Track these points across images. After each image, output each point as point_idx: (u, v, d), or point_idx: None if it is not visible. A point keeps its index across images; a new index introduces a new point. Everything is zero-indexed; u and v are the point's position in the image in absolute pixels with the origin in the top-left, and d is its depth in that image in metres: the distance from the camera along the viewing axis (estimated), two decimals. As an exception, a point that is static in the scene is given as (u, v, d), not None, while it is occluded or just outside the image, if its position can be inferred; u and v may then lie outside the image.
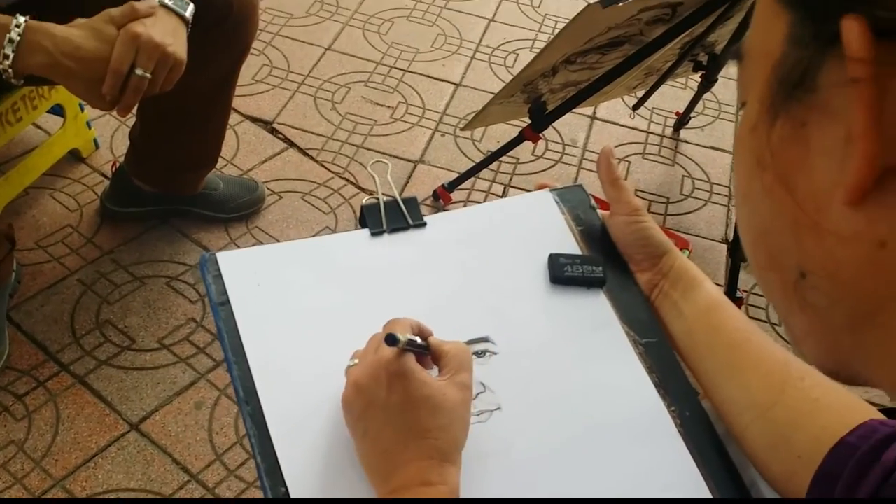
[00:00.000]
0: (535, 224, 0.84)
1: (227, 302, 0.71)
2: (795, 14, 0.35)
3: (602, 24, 1.41)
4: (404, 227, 0.81)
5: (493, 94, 1.88)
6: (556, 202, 0.86)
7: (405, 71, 2.28)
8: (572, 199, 0.86)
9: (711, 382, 0.73)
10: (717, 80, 1.94)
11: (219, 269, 0.73)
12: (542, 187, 0.89)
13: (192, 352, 1.55)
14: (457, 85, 2.27)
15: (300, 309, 0.73)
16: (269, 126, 2.05)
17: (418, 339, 0.64)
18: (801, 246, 0.37)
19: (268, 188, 1.86)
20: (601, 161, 0.82)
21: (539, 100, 1.71)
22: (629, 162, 2.14)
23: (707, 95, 2.13)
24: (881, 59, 0.31)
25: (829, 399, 0.66)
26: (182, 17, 1.18)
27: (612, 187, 0.82)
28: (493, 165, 1.99)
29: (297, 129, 2.05)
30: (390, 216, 0.82)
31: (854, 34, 0.32)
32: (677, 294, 0.78)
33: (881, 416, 0.62)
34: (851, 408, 0.63)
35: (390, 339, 0.60)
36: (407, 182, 1.97)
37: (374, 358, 0.62)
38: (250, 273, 0.74)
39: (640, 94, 2.13)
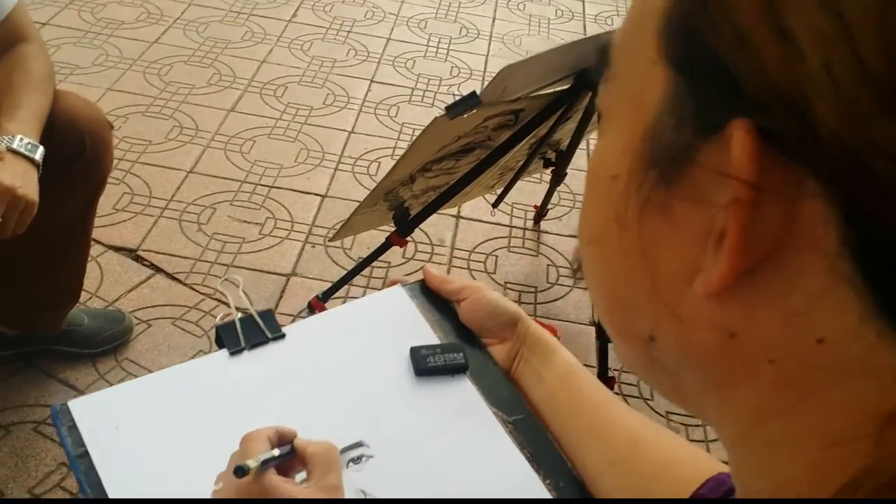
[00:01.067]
0: (393, 320, 0.87)
1: (86, 453, 0.69)
2: (680, 78, 0.33)
3: (451, 133, 1.49)
4: (263, 341, 0.82)
5: (359, 202, 1.93)
6: (409, 297, 0.89)
7: (270, 187, 2.31)
8: (424, 292, 0.90)
9: (574, 443, 0.76)
10: (566, 173, 2.06)
11: (73, 419, 0.71)
12: (393, 283, 0.93)
13: (66, 497, 1.47)
14: (323, 196, 2.31)
15: (163, 443, 0.72)
16: (133, 254, 2.02)
17: (276, 452, 0.63)
18: (653, 315, 0.36)
19: (135, 317, 1.82)
20: (427, 278, 0.92)
21: (402, 206, 1.77)
22: (496, 256, 2.22)
23: (561, 187, 2.25)
24: (760, 165, 0.30)
25: (682, 454, 0.70)
26: (32, 161, 1.17)
27: (444, 287, 0.88)
28: (366, 271, 2.02)
29: (163, 254, 2.03)
30: (248, 332, 0.82)
31: (740, 145, 0.30)
32: (537, 360, 0.82)
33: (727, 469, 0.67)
34: (702, 462, 0.68)
35: (238, 472, 0.60)
36: (281, 296, 1.98)
37: (234, 482, 0.62)
38: (107, 417, 0.72)
39: (499, 191, 2.23)
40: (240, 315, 0.83)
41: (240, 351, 0.81)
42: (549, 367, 0.81)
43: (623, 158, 0.35)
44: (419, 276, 2.19)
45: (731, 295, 0.33)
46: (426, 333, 0.86)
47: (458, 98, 1.40)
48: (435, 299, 0.89)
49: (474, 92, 1.39)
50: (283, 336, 0.83)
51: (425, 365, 0.82)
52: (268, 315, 0.83)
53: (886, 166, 0.28)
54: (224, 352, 0.80)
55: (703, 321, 0.34)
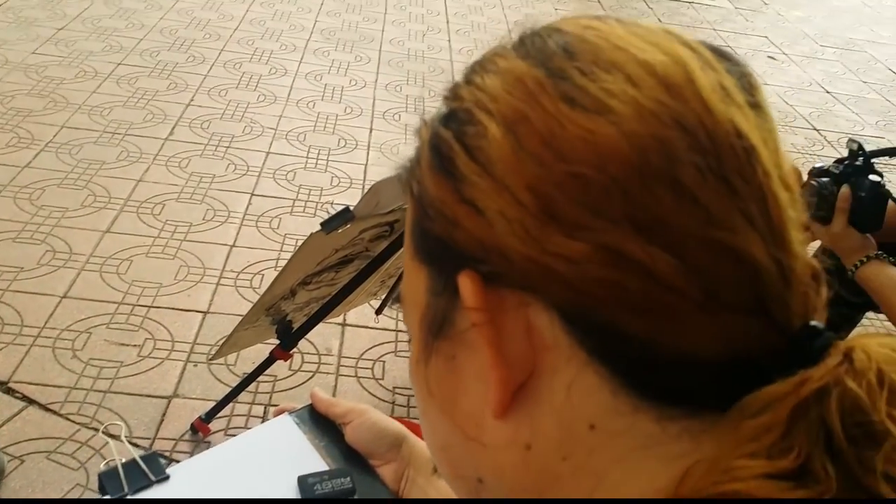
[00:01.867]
0: (280, 450, 0.88)
1: None
2: (430, 268, 0.43)
3: (329, 247, 1.53)
4: (146, 484, 0.81)
5: (242, 316, 1.92)
6: (297, 423, 0.90)
7: (149, 307, 2.27)
8: (312, 417, 0.91)
9: None
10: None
11: None
12: (280, 412, 0.94)
13: None
14: (205, 313, 2.29)
15: None
16: (4, 386, 1.93)
17: None
18: (473, 457, 0.43)
19: (6, 454, 1.73)
20: (314, 402, 0.94)
21: (285, 319, 1.78)
22: (384, 362, 2.23)
23: (443, 290, 2.30)
24: (493, 303, 0.39)
25: None
26: None
27: (330, 411, 0.90)
28: (252, 387, 2.00)
29: (35, 384, 1.95)
30: (131, 477, 0.81)
31: (467, 288, 0.39)
32: (422, 480, 0.84)
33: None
34: None
35: None
36: (162, 420, 1.92)
37: None
38: None
39: (382, 297, 2.26)
40: (122, 459, 0.82)
41: (123, 497, 0.80)
42: (433, 487, 0.83)
43: (418, 346, 0.45)
44: (307, 387, 2.18)
45: (514, 412, 0.40)
46: (314, 461, 0.87)
47: (332, 214, 1.44)
48: (324, 423, 0.91)
49: (347, 207, 1.44)
50: (167, 478, 0.82)
51: (312, 493, 0.83)
52: (152, 458, 0.83)
53: (565, 266, 0.36)
54: (107, 498, 0.80)
55: (503, 442, 0.40)
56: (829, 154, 3.88)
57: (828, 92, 4.77)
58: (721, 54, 0.41)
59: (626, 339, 0.37)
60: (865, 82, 5.04)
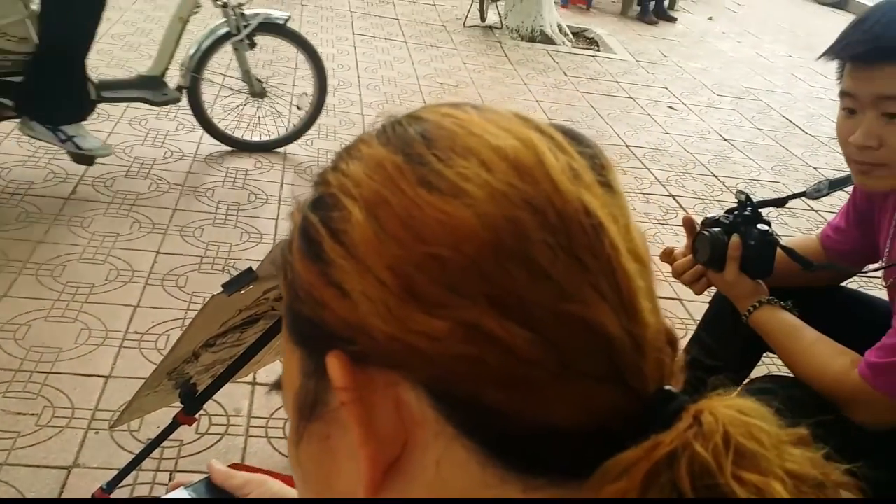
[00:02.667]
0: None
1: None
2: (303, 349, 0.44)
3: (232, 308, 1.50)
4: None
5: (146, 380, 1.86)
6: (193, 498, 0.88)
7: (48, 373, 2.18)
8: (210, 490, 0.89)
9: None
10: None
11: None
12: (176, 487, 0.92)
13: None
14: (107, 377, 2.21)
15: None
16: None
17: None
18: None
19: None
20: (211, 475, 0.92)
21: (188, 382, 1.73)
22: (295, 421, 2.19)
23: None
24: (363, 382, 0.41)
25: None
26: None
27: (228, 483, 0.89)
28: (156, 454, 1.93)
29: (-78, 461, 1.84)
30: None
31: (335, 368, 0.40)
32: None
33: None
34: None
35: None
36: (61, 491, 1.84)
37: None
38: None
39: (293, 354, 2.23)
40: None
41: None
42: None
43: (294, 428, 0.46)
44: (215, 450, 2.12)
45: (387, 489, 0.40)
46: None
47: (234, 275, 1.42)
48: (222, 496, 0.89)
49: (251, 268, 1.42)
50: None
51: None
52: None
53: (427, 344, 0.38)
54: None
55: None
56: (729, 199, 4.03)
57: (725, 139, 4.98)
58: (574, 137, 0.44)
59: (490, 413, 0.38)
60: (761, 129, 5.29)
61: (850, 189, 1.64)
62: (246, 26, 3.42)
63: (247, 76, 3.60)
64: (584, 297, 0.38)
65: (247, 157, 3.68)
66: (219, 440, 2.08)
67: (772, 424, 0.38)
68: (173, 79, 3.42)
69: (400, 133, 0.42)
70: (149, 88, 3.34)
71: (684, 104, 5.57)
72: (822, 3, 10.51)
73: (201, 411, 1.78)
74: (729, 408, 0.38)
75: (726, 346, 1.77)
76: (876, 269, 1.59)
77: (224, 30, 3.43)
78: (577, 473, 0.38)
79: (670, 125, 5.06)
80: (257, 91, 3.67)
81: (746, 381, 1.76)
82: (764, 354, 2.09)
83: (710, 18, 8.65)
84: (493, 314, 0.37)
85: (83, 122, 3.10)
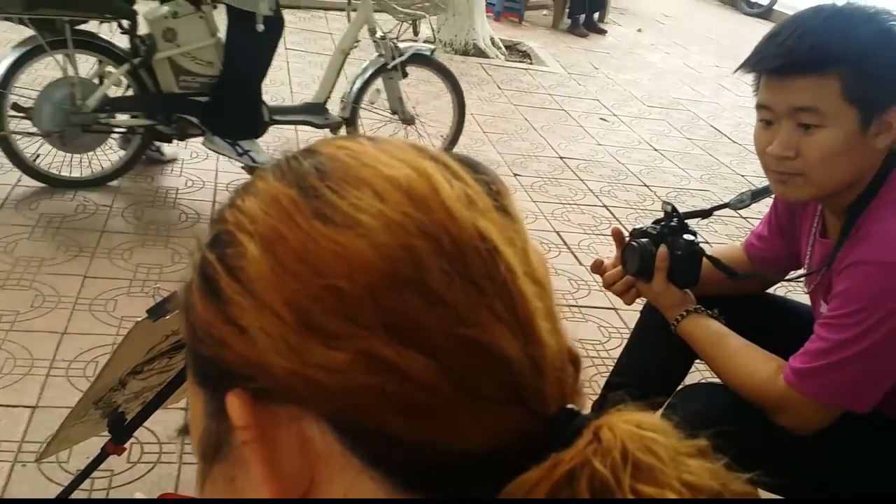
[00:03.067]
0: None
1: None
2: (205, 390, 0.43)
3: (158, 334, 1.47)
4: None
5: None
6: None
7: (-31, 406, 2.10)
8: None
9: None
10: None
11: None
12: None
13: None
14: (33, 408, 2.14)
15: None
16: None
17: None
18: None
19: None
20: None
21: (116, 411, 1.68)
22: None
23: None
24: (265, 419, 0.40)
25: None
26: None
27: None
28: (86, 485, 1.87)
29: None
30: None
31: (234, 407, 0.40)
32: None
33: None
34: None
35: None
36: (-16, 530, 1.77)
37: None
38: None
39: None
40: None
41: None
42: None
43: (200, 469, 0.45)
44: (147, 479, 2.07)
45: None
46: None
47: (158, 300, 1.39)
48: None
49: (176, 291, 1.39)
50: None
51: None
52: None
53: (327, 376, 0.38)
54: None
55: None
56: (659, 208, 4.11)
57: (655, 149, 5.09)
58: (469, 165, 0.44)
59: (394, 442, 0.38)
60: (690, 139, 5.42)
61: (772, 198, 1.68)
62: (400, 56, 3.77)
63: (399, 104, 3.88)
64: (481, 321, 0.38)
65: (177, 176, 3.62)
66: (151, 469, 2.02)
67: (670, 437, 0.39)
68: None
69: (294, 167, 0.43)
70: (314, 114, 3.76)
71: (615, 115, 5.67)
72: (747, 14, 10.82)
73: (132, 439, 1.73)
74: (627, 423, 0.39)
75: (657, 356, 1.79)
76: (799, 276, 1.64)
77: (379, 63, 3.80)
78: (485, 495, 0.38)
79: (602, 136, 5.14)
80: (408, 118, 3.94)
81: (679, 387, 1.79)
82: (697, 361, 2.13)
83: (639, 30, 8.84)
84: (391, 342, 0.37)
85: (258, 139, 3.49)
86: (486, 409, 0.38)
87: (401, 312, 0.38)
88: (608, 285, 1.70)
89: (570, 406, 0.41)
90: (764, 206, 1.81)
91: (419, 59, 3.93)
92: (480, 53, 6.58)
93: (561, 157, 4.62)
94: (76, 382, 2.26)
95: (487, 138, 4.73)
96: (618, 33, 8.48)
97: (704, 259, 1.61)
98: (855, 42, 1.29)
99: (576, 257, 3.43)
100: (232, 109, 3.36)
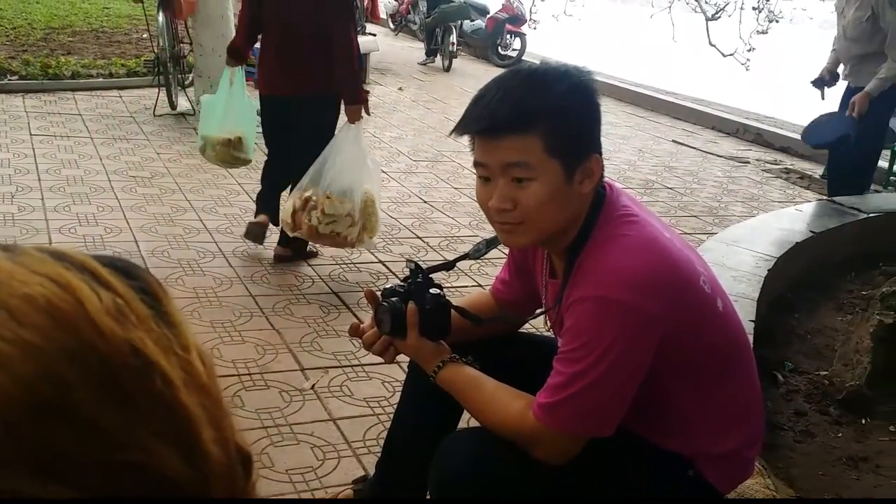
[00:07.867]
0: None
1: None
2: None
3: None
4: None
5: None
6: None
7: None
8: None
9: None
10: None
11: None
12: None
13: None
14: None
15: None
16: None
17: None
18: None
19: None
20: None
21: None
22: None
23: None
24: None
25: None
26: None
27: None
28: None
29: None
30: None
31: None
32: None
33: None
34: None
35: None
36: None
37: None
38: None
39: None
40: None
41: None
42: None
43: None
44: None
45: None
46: None
47: None
48: None
49: None
50: None
51: None
52: None
53: None
54: None
55: None
56: (434, 258, 4.25)
57: (425, 202, 5.26)
58: (121, 270, 0.42)
59: None
60: (456, 188, 5.65)
61: (507, 244, 1.79)
62: None
63: None
64: (139, 441, 0.37)
65: None
66: None
67: None
68: None
69: None
70: None
71: (385, 172, 5.79)
72: (498, 66, 11.52)
73: None
74: None
75: (428, 408, 1.84)
76: (539, 314, 1.75)
77: None
78: None
79: (373, 194, 5.24)
80: None
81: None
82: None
83: (400, 89, 9.16)
84: (34, 479, 0.35)
85: None
86: None
87: (46, 445, 0.35)
88: (367, 347, 1.73)
89: None
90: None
91: None
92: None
93: (333, 219, 4.66)
94: None
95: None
96: (380, 92, 8.73)
97: (452, 309, 1.69)
98: (551, 99, 1.42)
99: (356, 316, 3.46)
100: None
